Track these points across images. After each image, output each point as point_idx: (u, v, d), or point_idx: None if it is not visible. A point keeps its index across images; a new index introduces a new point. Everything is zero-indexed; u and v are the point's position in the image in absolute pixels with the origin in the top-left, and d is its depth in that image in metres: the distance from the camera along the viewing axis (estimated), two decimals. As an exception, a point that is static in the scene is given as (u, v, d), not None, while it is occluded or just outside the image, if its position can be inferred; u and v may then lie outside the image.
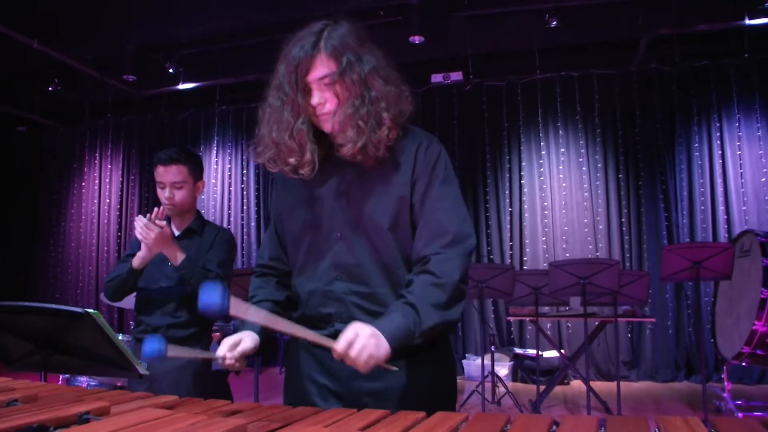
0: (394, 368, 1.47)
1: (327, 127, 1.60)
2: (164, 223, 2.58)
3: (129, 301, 2.92)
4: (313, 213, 1.66)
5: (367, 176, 1.63)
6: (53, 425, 1.14)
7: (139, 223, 2.55)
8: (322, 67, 1.54)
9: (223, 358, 1.53)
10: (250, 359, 1.57)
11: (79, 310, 1.94)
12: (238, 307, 1.41)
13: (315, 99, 1.56)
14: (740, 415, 5.09)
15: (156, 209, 2.61)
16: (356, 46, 1.57)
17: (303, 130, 1.57)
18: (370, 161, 1.58)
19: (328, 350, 1.58)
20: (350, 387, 1.61)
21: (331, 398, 1.63)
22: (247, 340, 1.58)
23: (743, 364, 5.31)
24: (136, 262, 2.65)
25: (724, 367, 5.57)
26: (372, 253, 1.61)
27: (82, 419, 1.17)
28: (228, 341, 1.56)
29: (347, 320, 1.57)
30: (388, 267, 1.62)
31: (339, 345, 1.40)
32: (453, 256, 1.58)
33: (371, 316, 1.59)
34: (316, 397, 1.65)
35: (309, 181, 1.64)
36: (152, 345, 1.45)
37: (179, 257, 2.58)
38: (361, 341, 1.40)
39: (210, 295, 1.35)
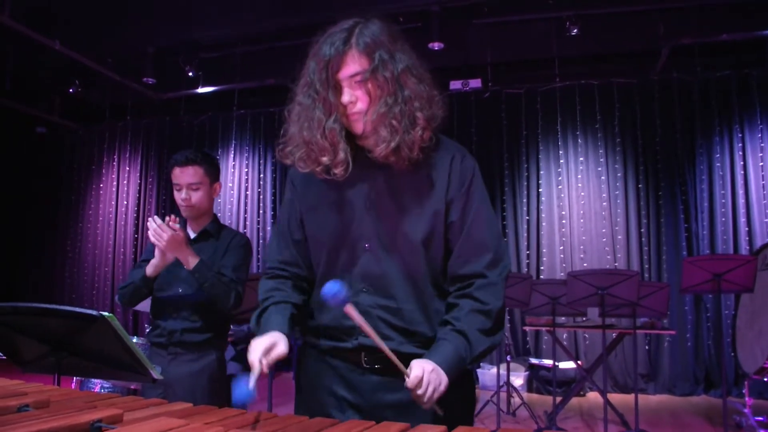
0: (441, 412, 1.46)
1: (358, 127, 1.54)
2: (178, 226, 2.53)
3: (144, 305, 2.89)
4: (339, 218, 1.60)
5: (399, 185, 1.57)
6: (65, 433, 1.11)
7: (153, 224, 2.50)
8: (353, 64, 1.48)
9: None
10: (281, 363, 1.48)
11: (93, 312, 1.92)
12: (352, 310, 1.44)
13: (345, 97, 1.50)
14: (762, 432, 4.99)
15: (169, 216, 2.54)
16: (389, 44, 1.51)
17: (335, 129, 1.52)
18: (403, 164, 1.53)
19: (349, 362, 1.57)
20: (370, 400, 1.57)
21: (349, 410, 1.58)
22: (281, 343, 1.46)
23: (765, 379, 5.19)
24: (150, 269, 2.62)
25: (745, 382, 5.45)
26: (401, 268, 1.57)
27: (94, 427, 1.14)
28: (260, 345, 1.44)
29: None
30: (416, 283, 1.58)
31: (410, 381, 1.41)
32: (495, 281, 1.57)
33: (396, 331, 1.56)
34: (334, 409, 1.60)
35: (335, 184, 1.57)
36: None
37: (192, 261, 2.54)
38: (427, 378, 1.40)
39: (333, 285, 1.39)
